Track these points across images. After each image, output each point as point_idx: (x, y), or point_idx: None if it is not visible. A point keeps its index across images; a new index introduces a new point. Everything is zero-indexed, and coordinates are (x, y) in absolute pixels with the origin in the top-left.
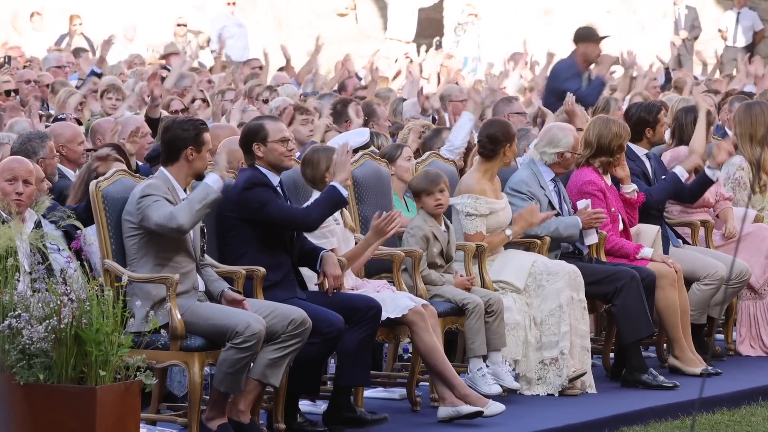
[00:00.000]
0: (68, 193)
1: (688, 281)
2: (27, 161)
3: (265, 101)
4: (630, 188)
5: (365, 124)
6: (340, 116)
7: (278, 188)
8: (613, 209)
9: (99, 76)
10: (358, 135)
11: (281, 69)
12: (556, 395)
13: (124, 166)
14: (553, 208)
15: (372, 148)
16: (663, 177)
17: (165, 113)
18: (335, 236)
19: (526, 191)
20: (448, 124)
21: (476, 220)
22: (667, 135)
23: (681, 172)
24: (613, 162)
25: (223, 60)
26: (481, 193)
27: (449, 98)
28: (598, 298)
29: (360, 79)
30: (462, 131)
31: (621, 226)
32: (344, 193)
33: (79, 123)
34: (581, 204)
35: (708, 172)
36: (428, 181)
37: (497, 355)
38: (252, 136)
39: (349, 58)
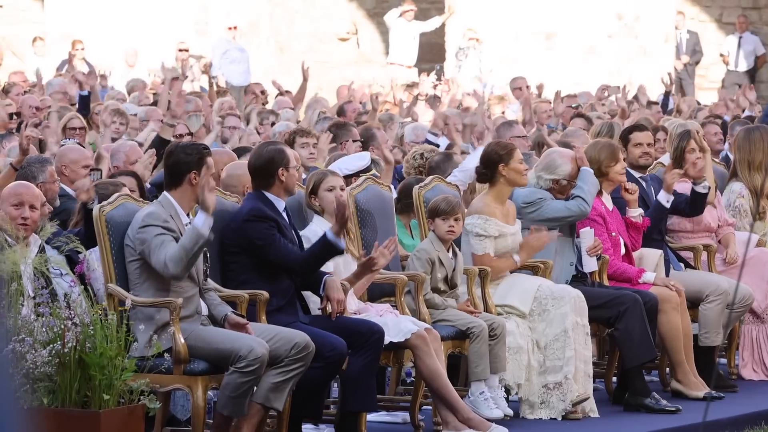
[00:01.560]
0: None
1: (694, 303)
2: (33, 186)
3: (272, 124)
4: (636, 212)
5: (364, 149)
6: (334, 139)
7: (284, 213)
8: (613, 233)
9: (87, 97)
10: (359, 159)
11: (280, 94)
12: (559, 419)
13: (128, 191)
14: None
15: (373, 171)
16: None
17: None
18: (333, 260)
19: (536, 199)
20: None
21: (485, 241)
22: (667, 158)
23: (663, 198)
24: (600, 188)
25: (222, 86)
26: (491, 215)
27: (445, 121)
28: (600, 322)
29: (362, 104)
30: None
31: (623, 250)
32: (341, 245)
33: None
34: (584, 232)
35: (696, 188)
36: (447, 206)
37: (494, 379)
38: (278, 161)
39: (353, 89)
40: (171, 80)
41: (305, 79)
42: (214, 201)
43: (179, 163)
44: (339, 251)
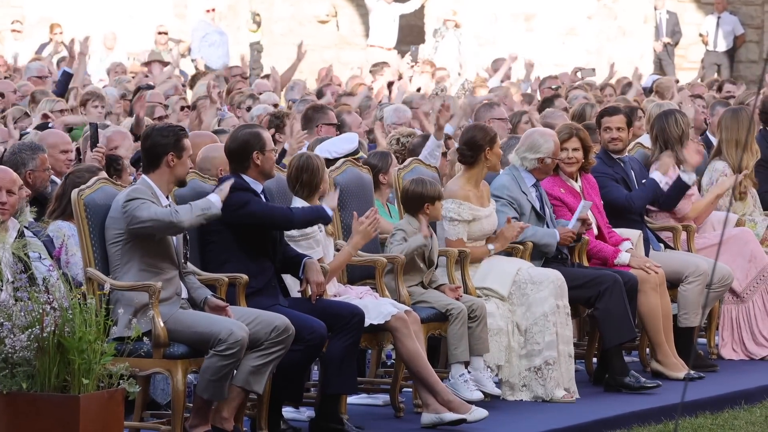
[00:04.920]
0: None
1: (673, 284)
2: (10, 171)
3: (248, 109)
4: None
5: (339, 133)
6: (310, 122)
7: (261, 196)
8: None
9: (70, 76)
10: (347, 142)
11: (263, 77)
12: (540, 402)
13: (105, 174)
14: (536, 213)
15: (361, 154)
16: (642, 182)
17: (148, 120)
18: (320, 245)
19: (506, 196)
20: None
21: (458, 225)
22: (646, 140)
23: (659, 178)
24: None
25: (202, 69)
26: (465, 198)
27: (410, 105)
28: (581, 303)
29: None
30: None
31: (596, 231)
32: (330, 213)
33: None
34: (584, 203)
35: (683, 176)
36: (429, 190)
37: (479, 361)
38: (253, 144)
39: (332, 71)
40: (150, 63)
41: (299, 60)
42: (227, 189)
43: (156, 145)
44: (328, 219)
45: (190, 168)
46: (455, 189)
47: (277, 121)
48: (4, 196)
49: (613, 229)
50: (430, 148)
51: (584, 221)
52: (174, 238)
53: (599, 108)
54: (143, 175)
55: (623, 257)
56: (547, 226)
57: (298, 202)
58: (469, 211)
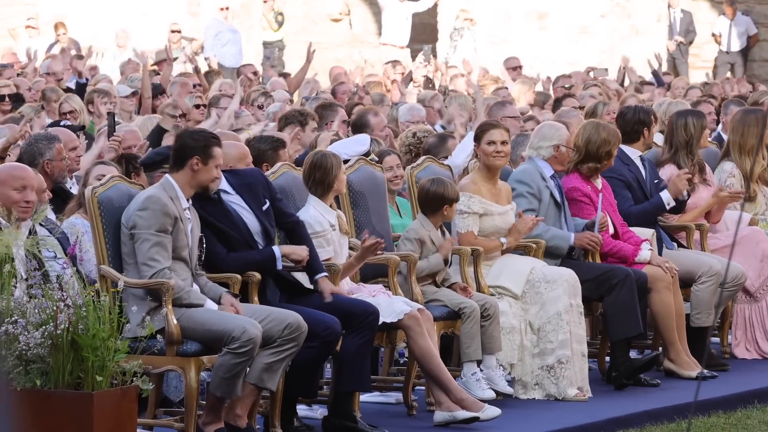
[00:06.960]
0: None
1: (686, 283)
2: (31, 170)
3: (260, 107)
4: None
5: (354, 132)
6: (320, 120)
7: (253, 186)
8: (601, 214)
9: (84, 85)
10: (359, 144)
11: (282, 75)
12: (552, 401)
13: (115, 171)
14: (555, 202)
15: (372, 156)
16: (656, 182)
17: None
18: (332, 245)
19: (529, 181)
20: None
21: (468, 218)
22: (659, 138)
23: (667, 199)
24: (601, 168)
25: (215, 68)
26: (476, 192)
27: (424, 104)
28: (593, 298)
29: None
30: (465, 151)
31: (612, 230)
32: (279, 266)
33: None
34: (598, 215)
35: (663, 196)
36: (450, 192)
37: (491, 359)
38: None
39: (347, 74)
40: (161, 62)
41: (308, 61)
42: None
43: (185, 147)
44: (274, 271)
45: (216, 177)
46: (467, 182)
47: (301, 117)
48: (32, 195)
49: (629, 229)
50: (467, 152)
51: (601, 224)
52: (189, 239)
53: (612, 106)
54: (167, 175)
55: (644, 254)
56: (564, 218)
57: (312, 200)
58: (479, 204)
